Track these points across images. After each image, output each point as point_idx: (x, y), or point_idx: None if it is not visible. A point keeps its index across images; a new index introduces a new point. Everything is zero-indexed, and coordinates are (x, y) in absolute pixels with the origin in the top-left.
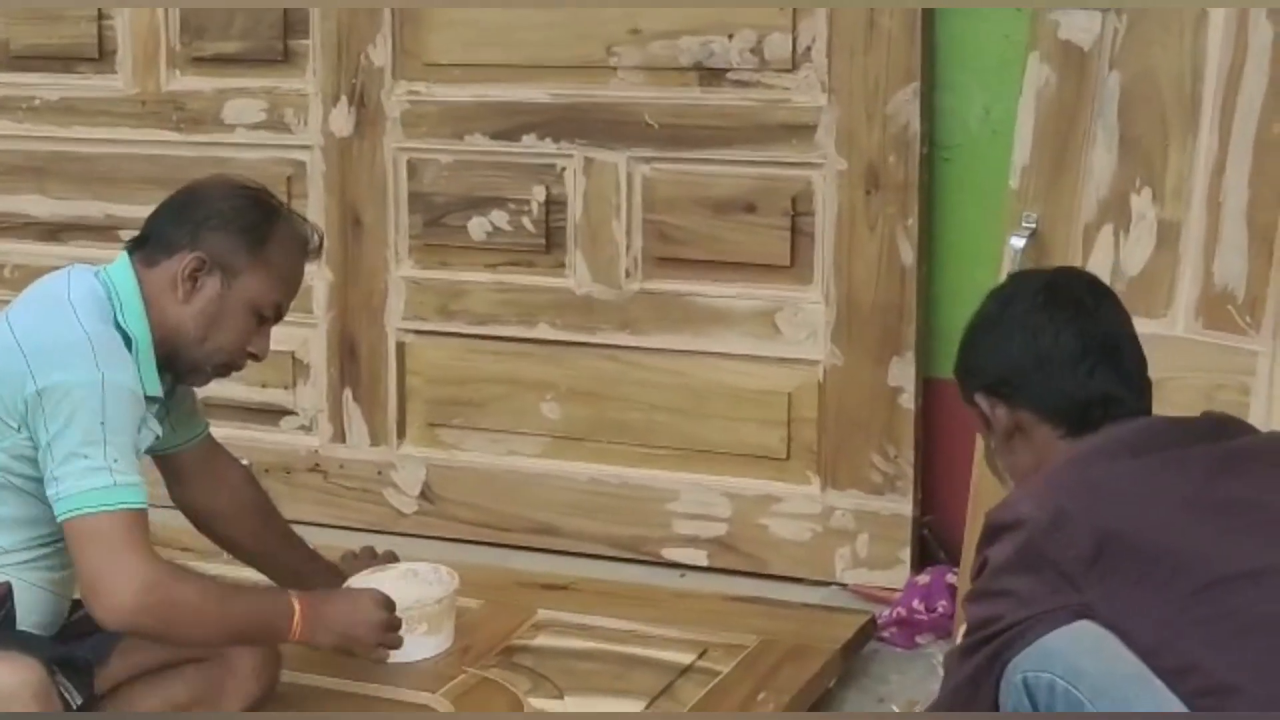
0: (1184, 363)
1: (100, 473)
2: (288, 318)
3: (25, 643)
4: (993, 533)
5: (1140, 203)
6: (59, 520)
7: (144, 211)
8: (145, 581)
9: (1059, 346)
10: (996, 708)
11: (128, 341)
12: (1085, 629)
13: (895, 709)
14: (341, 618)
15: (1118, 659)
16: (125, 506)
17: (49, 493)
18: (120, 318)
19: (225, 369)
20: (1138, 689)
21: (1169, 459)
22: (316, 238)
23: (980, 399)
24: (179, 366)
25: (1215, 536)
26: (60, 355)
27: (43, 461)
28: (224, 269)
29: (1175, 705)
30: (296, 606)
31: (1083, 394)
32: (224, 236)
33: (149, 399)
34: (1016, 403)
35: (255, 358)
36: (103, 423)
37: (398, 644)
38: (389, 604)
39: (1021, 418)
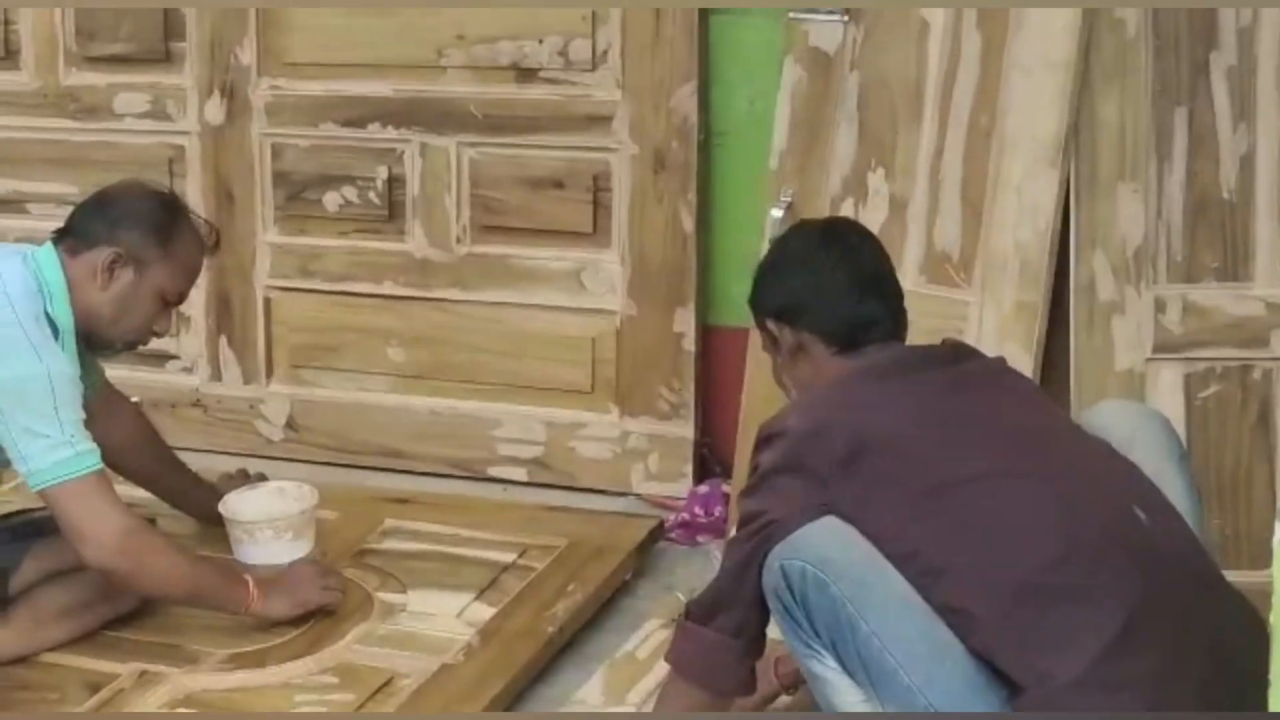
0: (911, 310)
1: (62, 447)
2: None
3: None
4: (764, 441)
5: (875, 180)
6: (34, 490)
7: (46, 189)
8: (123, 526)
9: (833, 279)
10: (761, 590)
11: (54, 330)
12: (830, 523)
13: (680, 596)
14: (290, 589)
15: (855, 547)
16: (90, 469)
17: (21, 469)
18: (49, 308)
19: (132, 346)
20: (871, 571)
21: (909, 382)
22: (213, 236)
23: (770, 324)
24: (94, 342)
25: (939, 448)
26: (5, 351)
27: (5, 442)
28: (136, 262)
29: (901, 583)
30: (251, 583)
31: (851, 317)
32: (137, 235)
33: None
34: (799, 325)
35: (158, 335)
36: (55, 406)
37: (336, 598)
38: (322, 569)
39: (803, 338)
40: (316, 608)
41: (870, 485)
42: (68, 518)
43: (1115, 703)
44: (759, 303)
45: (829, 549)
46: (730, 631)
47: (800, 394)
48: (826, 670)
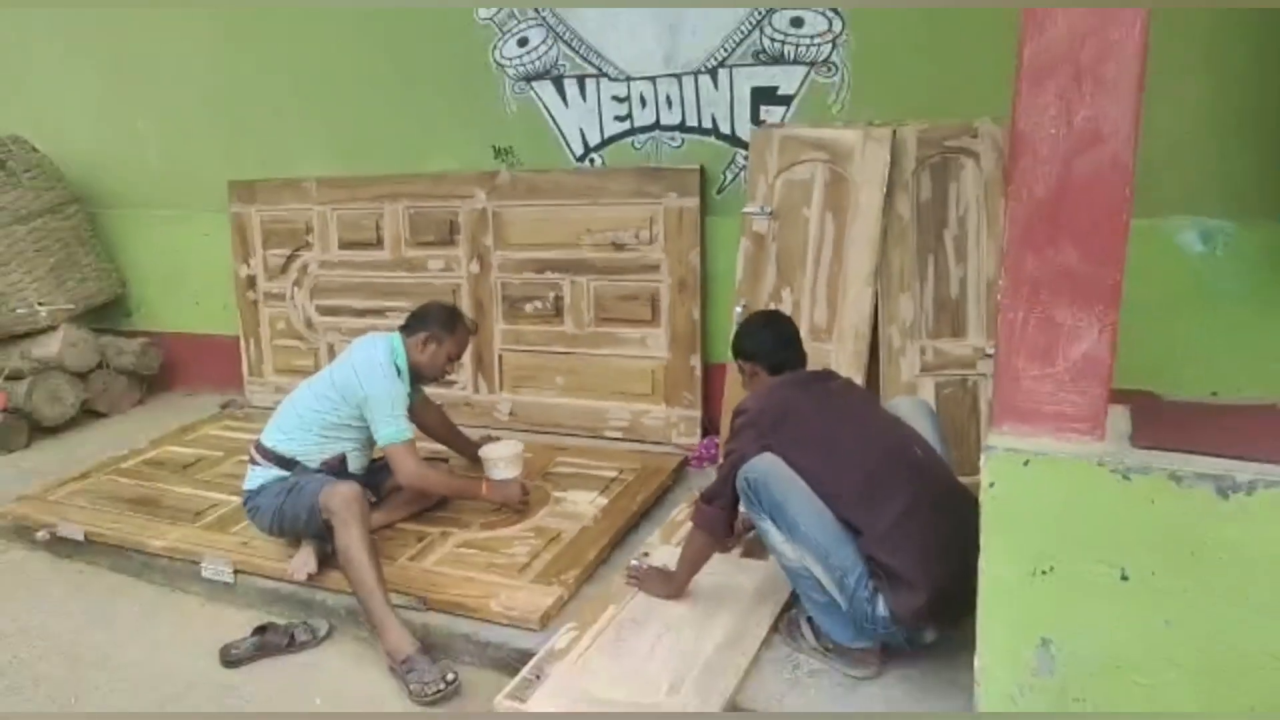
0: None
1: (395, 427)
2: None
3: (353, 476)
4: (737, 414)
5: (785, 294)
6: (380, 446)
7: (396, 305)
8: (419, 467)
9: (769, 337)
10: (735, 494)
11: (399, 372)
12: (768, 455)
13: (696, 492)
14: (503, 492)
15: (781, 466)
16: (406, 439)
17: (376, 434)
18: (397, 362)
19: (435, 382)
20: (789, 480)
21: (807, 386)
22: (475, 326)
23: (741, 362)
24: (419, 379)
25: (822, 419)
26: (375, 380)
27: (371, 422)
28: (437, 340)
29: (805, 488)
30: (485, 484)
31: (777, 359)
32: (438, 325)
33: (408, 394)
34: (753, 362)
35: (449, 374)
36: (392, 405)
37: (525, 507)
38: (525, 489)
39: (755, 368)
40: (517, 508)
41: (788, 437)
42: (394, 462)
43: (906, 538)
44: (736, 351)
45: (768, 468)
46: (721, 507)
47: (753, 393)
48: (768, 526)
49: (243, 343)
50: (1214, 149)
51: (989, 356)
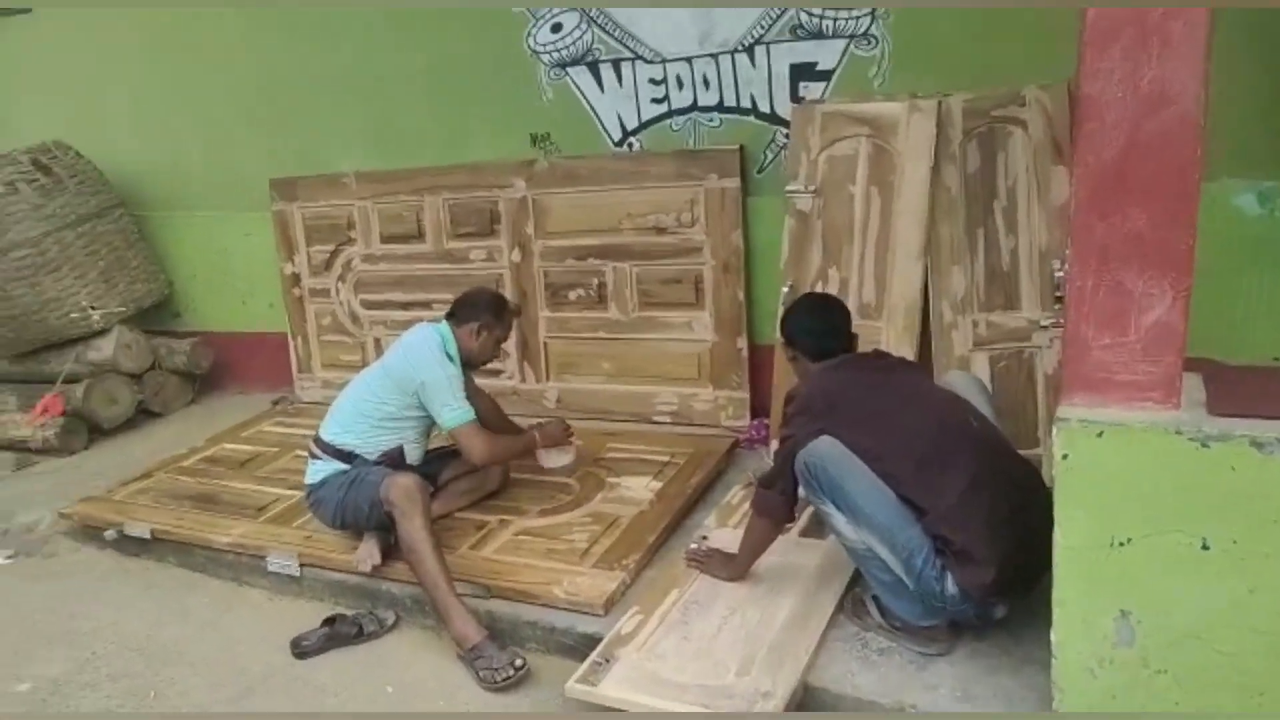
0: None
1: (459, 410)
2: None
3: (411, 468)
4: (788, 400)
5: (832, 272)
6: (446, 431)
7: (439, 297)
8: (485, 447)
9: (813, 324)
10: (795, 479)
11: (450, 359)
12: (825, 438)
13: (750, 475)
14: (549, 435)
15: (838, 448)
16: (471, 420)
17: (439, 422)
18: (448, 350)
19: (484, 366)
20: (847, 460)
21: (856, 369)
22: (518, 308)
23: (785, 346)
24: (468, 365)
25: (876, 397)
26: (429, 367)
27: (431, 408)
28: (486, 327)
29: (863, 465)
30: (538, 437)
31: (818, 346)
32: (485, 312)
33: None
34: (797, 348)
35: (498, 359)
36: (453, 391)
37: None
38: (566, 426)
39: (797, 352)
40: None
41: (843, 419)
42: (462, 443)
43: (971, 514)
44: (782, 334)
45: (826, 451)
46: (780, 491)
47: (801, 378)
48: (829, 509)
49: (290, 339)
50: (1264, 110)
51: (1044, 328)
